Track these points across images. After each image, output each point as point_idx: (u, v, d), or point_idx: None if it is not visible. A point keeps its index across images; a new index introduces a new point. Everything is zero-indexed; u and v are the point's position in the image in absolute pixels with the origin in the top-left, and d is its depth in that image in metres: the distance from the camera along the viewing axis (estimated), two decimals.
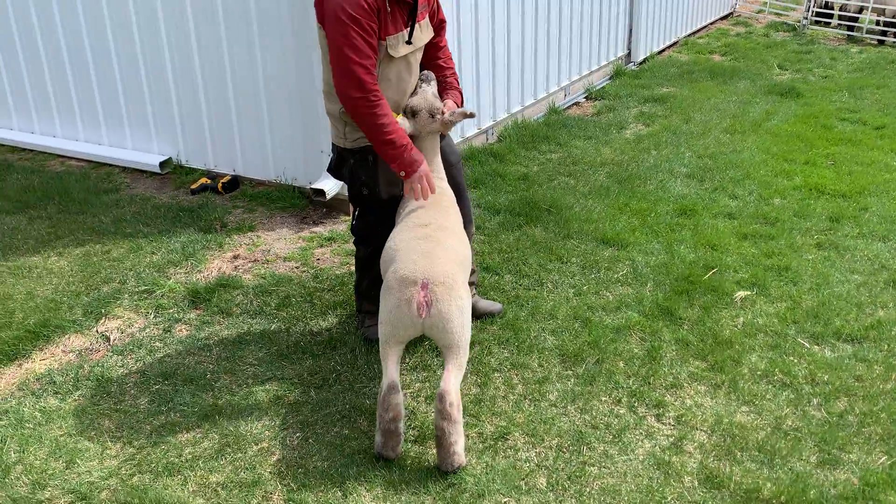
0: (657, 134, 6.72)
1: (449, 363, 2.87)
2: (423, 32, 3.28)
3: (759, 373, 3.48)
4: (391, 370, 2.88)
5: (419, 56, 3.33)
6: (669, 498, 2.79)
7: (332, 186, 4.97)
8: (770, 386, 3.40)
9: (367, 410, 3.21)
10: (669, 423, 3.18)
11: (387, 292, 2.88)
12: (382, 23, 3.04)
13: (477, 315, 3.86)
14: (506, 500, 2.78)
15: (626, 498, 2.79)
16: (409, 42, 3.17)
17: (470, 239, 3.73)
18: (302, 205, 5.13)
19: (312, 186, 4.97)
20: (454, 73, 3.51)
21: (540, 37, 7.06)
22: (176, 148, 5.75)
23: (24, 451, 2.98)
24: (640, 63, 9.20)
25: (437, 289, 2.81)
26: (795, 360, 3.57)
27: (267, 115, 5.19)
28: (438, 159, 3.43)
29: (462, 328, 2.86)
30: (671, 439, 3.09)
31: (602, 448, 3.04)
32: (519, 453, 3.01)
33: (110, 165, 5.92)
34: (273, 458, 2.97)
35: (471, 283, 3.78)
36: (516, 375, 3.47)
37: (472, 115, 3.27)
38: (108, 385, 3.38)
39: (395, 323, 2.86)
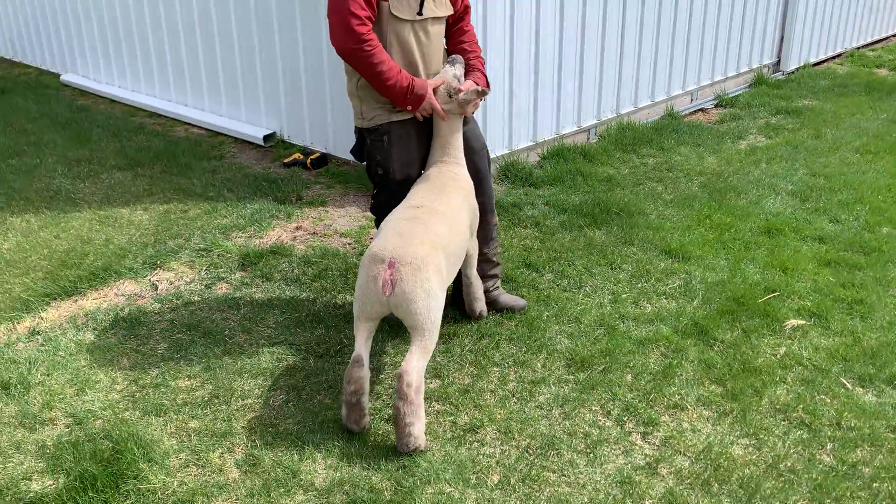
0: (775, 147, 6.25)
1: (413, 345, 2.88)
2: (438, 7, 3.28)
3: (778, 406, 3.19)
4: (359, 344, 2.94)
5: (435, 32, 3.32)
6: None
7: None
8: (785, 422, 3.11)
9: None
10: (654, 444, 3.00)
11: (360, 268, 2.94)
12: None
13: (498, 309, 3.82)
14: (450, 490, 2.75)
15: None
16: (419, 13, 3.19)
17: (491, 229, 3.70)
18: None
19: None
20: (478, 57, 3.48)
21: (663, 36, 6.77)
22: (280, 123, 6.11)
23: (48, 375, 3.34)
24: (790, 73, 8.55)
25: (403, 269, 2.82)
26: (827, 400, 3.24)
27: None
28: (459, 143, 3.43)
29: (427, 310, 2.86)
30: (648, 459, 2.91)
31: (570, 456, 2.92)
32: (484, 448, 2.97)
33: (224, 136, 6.38)
34: (251, 414, 3.12)
35: (492, 276, 3.76)
36: (514, 373, 3.41)
37: (483, 93, 3.25)
38: (138, 328, 3.69)
39: (363, 299, 2.91)
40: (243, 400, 3.21)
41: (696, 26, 7.13)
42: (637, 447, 2.98)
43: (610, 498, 2.72)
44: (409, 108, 3.25)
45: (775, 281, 4.14)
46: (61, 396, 3.21)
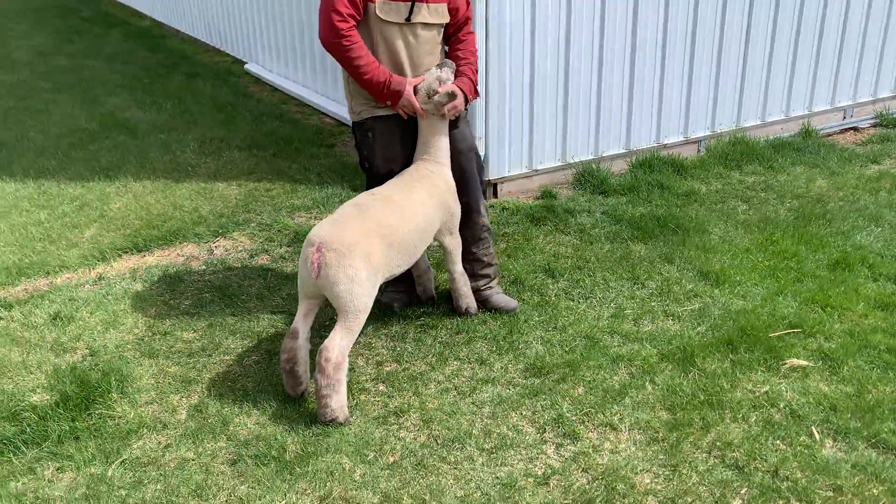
0: None
1: (337, 324, 3.11)
2: (432, 15, 3.43)
3: (719, 444, 3.01)
4: (297, 318, 3.22)
5: (426, 36, 3.47)
6: None
7: None
8: (716, 460, 2.93)
9: None
10: (562, 457, 2.98)
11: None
12: None
13: (488, 308, 3.91)
14: (345, 462, 2.95)
15: (442, 499, 2.77)
16: (408, 19, 3.37)
17: (478, 230, 3.80)
18: None
19: None
20: (469, 64, 3.57)
21: (804, 44, 6.27)
22: None
23: (91, 313, 3.99)
24: None
25: (328, 254, 3.05)
26: (781, 446, 2.99)
27: None
28: (442, 143, 3.57)
29: (350, 294, 3.07)
30: (546, 470, 2.90)
31: (471, 452, 2.99)
32: (400, 431, 3.13)
33: (349, 126, 6.93)
34: (221, 368, 3.54)
35: (483, 276, 3.86)
36: (470, 369, 3.50)
37: (453, 95, 3.38)
38: (177, 284, 4.26)
39: (299, 279, 3.19)
40: (223, 356, 3.63)
41: (852, 33, 6.49)
42: (543, 457, 2.97)
43: (484, 498, 2.78)
44: (389, 103, 3.45)
45: (807, 318, 3.80)
46: (90, 332, 3.84)
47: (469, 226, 3.80)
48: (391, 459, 2.97)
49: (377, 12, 3.38)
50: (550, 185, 5.48)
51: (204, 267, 4.46)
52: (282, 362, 3.24)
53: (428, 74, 3.49)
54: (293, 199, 5.28)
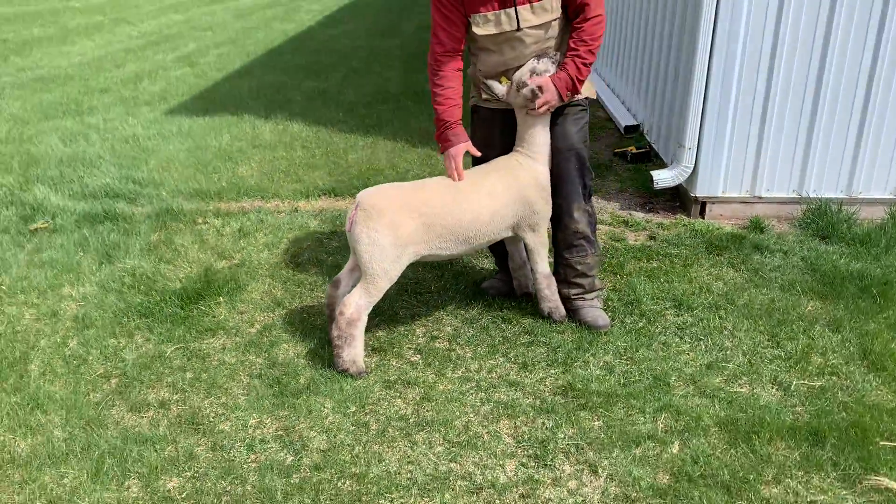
0: None
1: (360, 282, 3.24)
2: (537, 15, 3.25)
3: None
4: (343, 270, 3.43)
5: (536, 37, 3.29)
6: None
7: (665, 177, 4.84)
8: None
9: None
10: (514, 476, 2.75)
11: None
12: (469, 1, 3.25)
13: (577, 320, 3.65)
14: (326, 406, 3.10)
15: (369, 469, 2.78)
16: (518, 28, 3.26)
17: (570, 236, 3.58)
18: (657, 191, 5.10)
19: (655, 176, 4.91)
20: (575, 56, 3.28)
21: None
22: (644, 118, 6.20)
23: (264, 234, 4.64)
24: None
25: (360, 212, 3.18)
26: None
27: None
28: (538, 138, 3.41)
29: (370, 256, 3.16)
30: (488, 483, 2.72)
31: (436, 438, 2.92)
32: (395, 400, 3.16)
33: (607, 118, 6.79)
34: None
35: (575, 284, 3.67)
36: (507, 369, 3.35)
37: (523, 85, 3.23)
38: (257, 232, 4.69)
39: None
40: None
41: None
42: (497, 469, 2.78)
43: (408, 482, 2.72)
44: (440, 146, 3.44)
45: None
46: (252, 248, 4.50)
47: (560, 229, 3.59)
48: (364, 419, 3.05)
49: (473, 27, 3.32)
50: (770, 217, 4.76)
51: (284, 222, 4.83)
52: (326, 308, 3.48)
53: (525, 66, 3.35)
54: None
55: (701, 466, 2.76)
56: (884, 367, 3.28)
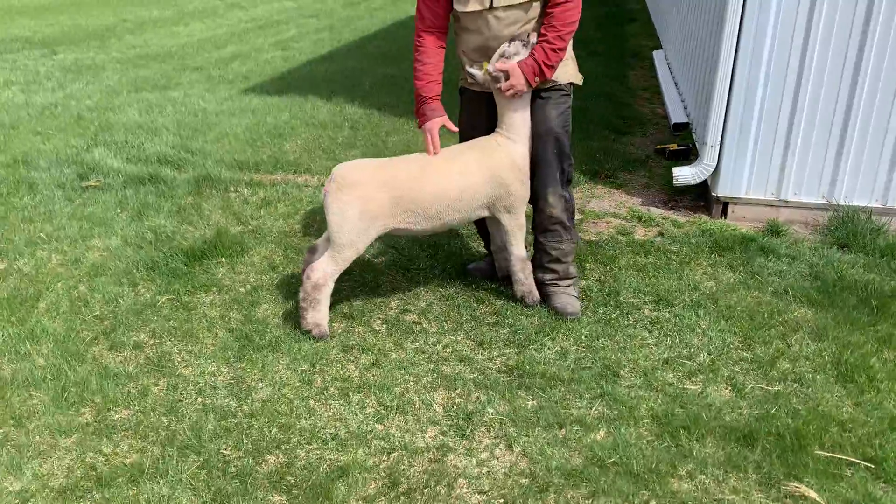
0: None
1: (328, 250, 3.39)
2: None
3: None
4: (322, 237, 3.59)
5: (512, 18, 3.31)
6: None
7: (686, 174, 4.72)
8: None
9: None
10: (424, 443, 2.83)
11: None
12: None
13: (548, 306, 3.67)
14: (280, 361, 3.28)
15: (297, 423, 2.93)
16: (491, 6, 3.30)
17: (545, 220, 3.60)
18: (679, 190, 4.99)
19: (675, 172, 4.80)
20: (544, 41, 3.27)
21: None
22: (693, 115, 6.04)
23: (284, 206, 4.89)
24: None
25: (332, 184, 3.32)
26: None
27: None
28: (515, 120, 3.44)
29: (337, 226, 3.30)
30: (400, 445, 2.81)
31: (370, 401, 3.04)
32: (348, 364, 3.29)
33: (664, 115, 6.64)
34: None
35: (548, 269, 3.70)
36: (463, 344, 3.42)
37: (484, 71, 3.28)
38: (279, 203, 4.88)
39: None
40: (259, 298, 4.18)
41: None
42: (418, 434, 2.87)
43: (327, 436, 2.85)
44: (417, 120, 3.53)
45: None
46: (270, 216, 4.74)
47: (536, 212, 3.60)
48: (310, 377, 3.21)
49: (455, 5, 3.39)
50: (795, 222, 4.56)
51: (307, 196, 5.00)
52: (302, 273, 3.66)
53: (497, 51, 3.39)
54: None
55: (617, 454, 2.74)
56: (853, 379, 3.12)
